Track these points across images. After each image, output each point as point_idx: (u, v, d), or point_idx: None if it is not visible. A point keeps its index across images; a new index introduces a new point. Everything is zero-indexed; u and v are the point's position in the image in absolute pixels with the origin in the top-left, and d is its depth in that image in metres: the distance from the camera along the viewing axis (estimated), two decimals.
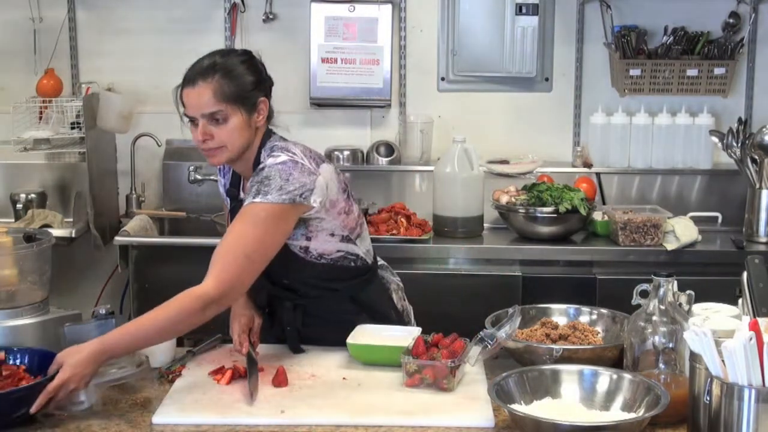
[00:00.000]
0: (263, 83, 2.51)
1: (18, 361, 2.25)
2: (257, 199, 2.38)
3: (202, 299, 2.26)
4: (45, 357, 2.23)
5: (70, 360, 2.14)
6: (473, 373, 2.35)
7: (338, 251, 2.57)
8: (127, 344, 2.22)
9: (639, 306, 2.20)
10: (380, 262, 2.79)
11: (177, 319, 2.25)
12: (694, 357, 1.94)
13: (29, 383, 2.15)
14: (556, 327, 2.47)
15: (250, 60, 2.51)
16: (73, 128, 4.14)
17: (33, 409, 2.09)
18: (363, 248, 2.64)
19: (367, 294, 2.66)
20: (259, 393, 2.26)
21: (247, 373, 2.34)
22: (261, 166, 2.46)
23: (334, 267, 2.57)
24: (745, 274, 2.44)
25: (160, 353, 2.40)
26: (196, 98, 2.42)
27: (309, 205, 2.44)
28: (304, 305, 2.61)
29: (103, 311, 2.34)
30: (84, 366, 2.14)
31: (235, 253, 2.33)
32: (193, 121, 2.46)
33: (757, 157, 3.79)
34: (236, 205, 2.61)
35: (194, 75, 2.43)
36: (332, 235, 2.54)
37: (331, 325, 2.57)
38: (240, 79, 2.44)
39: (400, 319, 2.73)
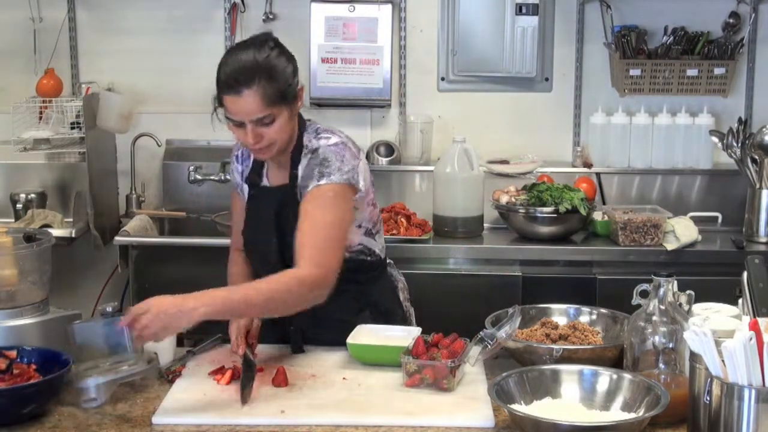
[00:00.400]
0: (296, 69, 2.50)
1: (27, 360, 2.27)
2: (322, 182, 2.44)
3: (301, 280, 2.32)
4: (55, 357, 2.24)
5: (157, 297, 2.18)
6: (473, 373, 2.35)
7: (359, 244, 2.59)
8: (219, 306, 2.22)
9: (639, 306, 2.20)
10: (388, 260, 2.79)
11: (275, 295, 2.29)
12: (694, 357, 1.94)
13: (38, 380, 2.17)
14: (556, 327, 2.47)
15: (281, 48, 2.48)
16: (73, 128, 4.14)
17: (123, 323, 2.16)
18: (379, 244, 2.67)
19: (375, 290, 2.67)
20: (259, 393, 2.26)
21: (243, 375, 2.33)
22: (313, 147, 2.49)
23: (350, 261, 2.57)
24: (745, 274, 2.45)
25: (161, 353, 2.40)
26: (244, 107, 2.39)
27: (358, 188, 2.49)
28: None
29: (110, 309, 2.34)
30: (168, 303, 2.16)
31: (318, 236, 2.39)
32: (237, 124, 2.44)
33: (757, 157, 3.80)
34: (257, 192, 2.62)
35: (237, 82, 2.38)
36: (359, 226, 2.58)
37: (335, 325, 2.56)
38: (282, 76, 2.42)
39: (404, 319, 2.73)
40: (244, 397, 2.22)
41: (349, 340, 2.46)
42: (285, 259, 2.52)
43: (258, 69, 2.39)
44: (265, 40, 2.47)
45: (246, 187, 2.68)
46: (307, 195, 2.45)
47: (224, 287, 2.32)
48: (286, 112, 2.44)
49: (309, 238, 2.39)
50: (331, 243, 2.42)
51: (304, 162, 2.51)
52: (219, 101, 2.45)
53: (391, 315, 2.65)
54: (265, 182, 2.63)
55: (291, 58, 2.48)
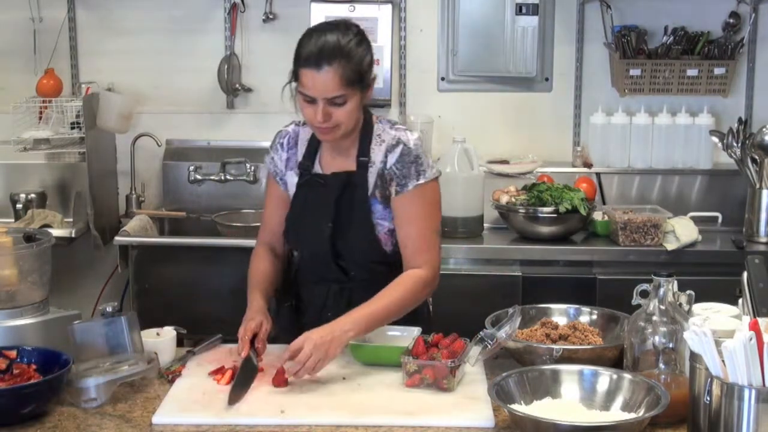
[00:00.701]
0: (374, 60, 2.54)
1: (26, 360, 2.27)
2: (421, 181, 2.54)
3: (423, 280, 2.53)
4: (55, 357, 2.24)
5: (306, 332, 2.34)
6: (473, 373, 2.35)
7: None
8: (364, 324, 2.39)
9: (639, 306, 2.20)
10: None
11: (406, 301, 2.48)
12: (694, 357, 1.94)
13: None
14: (556, 327, 2.47)
15: (364, 37, 2.51)
16: (73, 128, 4.14)
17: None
18: None
19: None
20: (258, 393, 2.26)
21: (237, 376, 2.32)
22: (399, 139, 2.53)
23: (392, 255, 2.59)
24: (745, 274, 2.45)
25: (161, 353, 2.40)
26: (322, 83, 2.42)
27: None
28: (351, 290, 2.61)
29: (110, 309, 2.34)
30: (320, 333, 2.31)
31: (431, 235, 2.58)
32: (309, 100, 2.46)
33: (757, 157, 3.79)
34: (309, 179, 2.61)
35: (319, 57, 2.41)
36: None
37: None
38: (361, 62, 2.46)
39: (429, 316, 2.74)
40: (232, 398, 2.20)
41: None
42: (335, 247, 2.56)
43: (341, 49, 2.43)
44: (350, 26, 2.52)
45: (292, 175, 2.66)
46: (408, 194, 2.54)
47: (362, 306, 2.43)
48: (358, 97, 2.47)
49: (422, 241, 2.55)
50: (438, 241, 2.61)
51: (390, 158, 2.53)
52: (295, 75, 2.48)
53: (418, 312, 2.64)
54: (317, 169, 2.63)
55: (370, 48, 2.52)
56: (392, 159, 2.54)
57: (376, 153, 2.56)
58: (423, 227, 2.55)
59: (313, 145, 2.63)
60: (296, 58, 2.47)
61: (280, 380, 2.31)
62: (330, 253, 2.58)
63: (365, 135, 2.57)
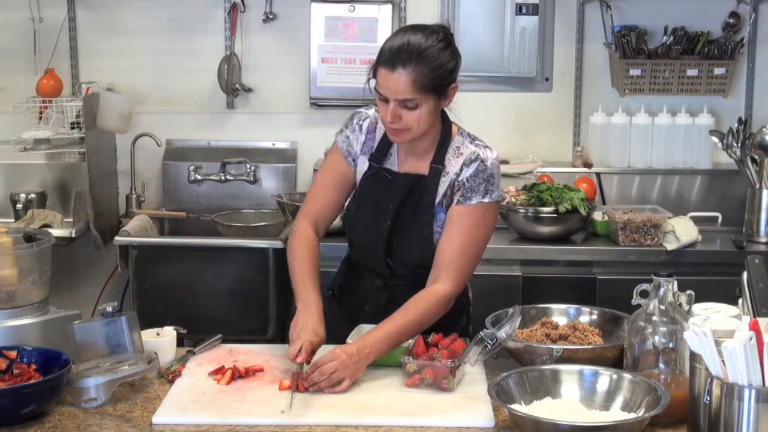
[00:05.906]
0: (458, 68, 2.49)
1: (26, 361, 2.27)
2: (486, 199, 2.49)
3: (446, 299, 2.47)
4: (55, 357, 2.25)
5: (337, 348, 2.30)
6: (473, 373, 2.35)
7: None
8: (384, 346, 2.36)
9: (639, 306, 2.20)
10: None
11: (426, 320, 2.42)
12: (694, 357, 1.94)
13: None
14: (556, 327, 2.47)
15: (449, 42, 2.46)
16: (73, 128, 4.15)
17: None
18: None
19: None
20: (258, 393, 2.26)
21: (294, 383, 2.29)
22: (477, 156, 2.51)
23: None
24: (745, 274, 2.45)
25: (161, 353, 2.40)
26: (394, 83, 2.39)
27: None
28: (393, 288, 2.60)
29: (110, 309, 2.34)
30: (349, 352, 2.27)
31: (468, 254, 2.50)
32: (383, 98, 2.44)
33: (757, 157, 3.80)
34: (382, 172, 2.58)
35: (395, 58, 2.38)
36: None
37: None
38: (440, 69, 2.40)
39: (469, 305, 2.74)
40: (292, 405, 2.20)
41: (349, 340, 2.46)
42: (389, 245, 2.55)
43: (419, 53, 2.38)
44: (438, 31, 2.45)
45: (364, 161, 2.62)
46: (469, 208, 2.49)
47: (384, 324, 2.39)
48: (432, 103, 2.43)
49: (460, 258, 2.49)
50: (475, 262, 2.54)
51: (466, 171, 2.50)
52: (374, 72, 2.45)
53: (462, 300, 2.65)
54: (390, 165, 2.60)
55: (455, 55, 2.46)
56: (467, 172, 2.50)
57: (452, 164, 2.52)
58: (468, 245, 2.49)
59: (389, 139, 2.58)
60: (378, 55, 2.44)
61: (299, 386, 2.26)
62: (382, 250, 2.56)
63: (443, 143, 2.54)
